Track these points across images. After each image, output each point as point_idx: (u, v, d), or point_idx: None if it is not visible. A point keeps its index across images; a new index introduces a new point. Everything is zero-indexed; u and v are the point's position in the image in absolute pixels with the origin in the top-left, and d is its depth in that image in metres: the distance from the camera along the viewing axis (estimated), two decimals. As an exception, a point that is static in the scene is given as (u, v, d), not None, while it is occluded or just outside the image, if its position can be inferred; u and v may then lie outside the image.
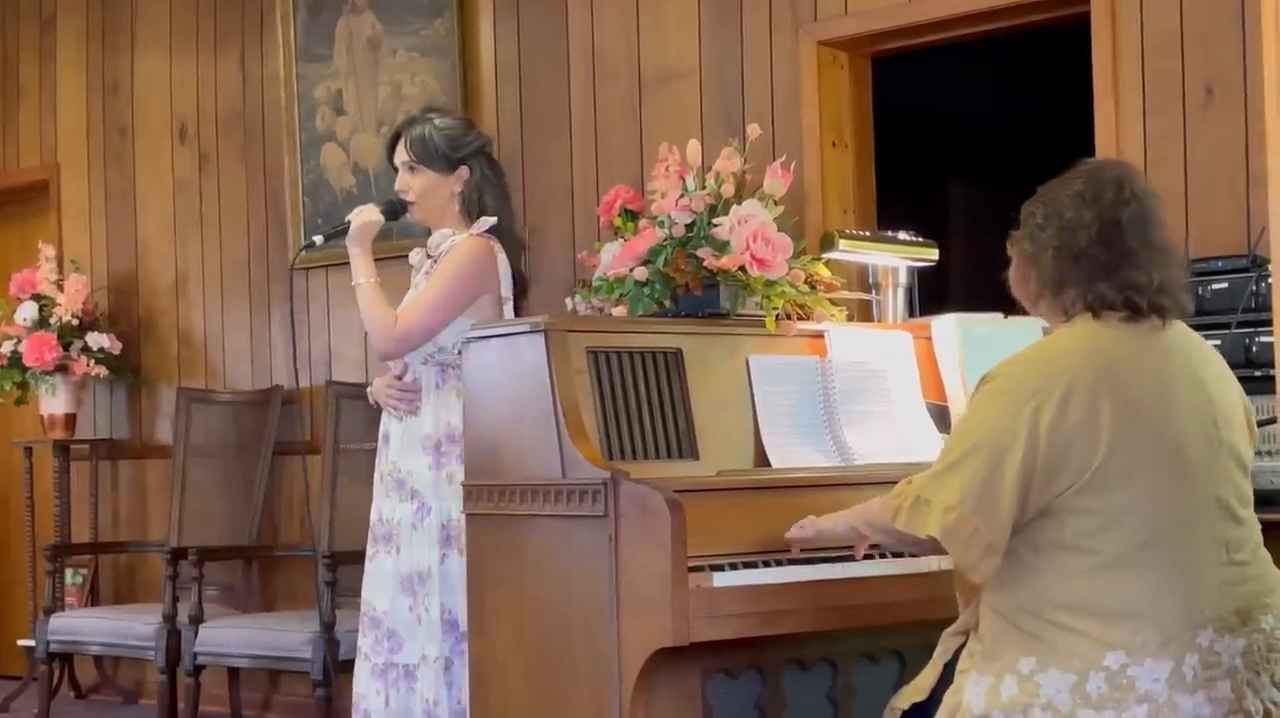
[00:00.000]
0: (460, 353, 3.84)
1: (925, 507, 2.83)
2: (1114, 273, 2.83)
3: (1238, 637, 2.79)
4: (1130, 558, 2.73)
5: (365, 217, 4.16)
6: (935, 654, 3.03)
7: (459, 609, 3.96)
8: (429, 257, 4.23)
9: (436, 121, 4.23)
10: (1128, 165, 3.01)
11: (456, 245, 4.13)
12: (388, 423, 4.20)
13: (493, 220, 4.18)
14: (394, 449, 4.15)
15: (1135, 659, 2.72)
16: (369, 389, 4.29)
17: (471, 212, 4.19)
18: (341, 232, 4.18)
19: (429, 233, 4.27)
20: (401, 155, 4.20)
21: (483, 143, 4.27)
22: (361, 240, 4.14)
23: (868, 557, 3.43)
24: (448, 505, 4.00)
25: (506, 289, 4.16)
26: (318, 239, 4.30)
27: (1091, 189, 2.86)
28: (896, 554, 3.41)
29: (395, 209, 4.20)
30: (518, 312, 4.21)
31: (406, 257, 4.33)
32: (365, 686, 4.11)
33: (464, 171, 4.19)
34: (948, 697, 2.90)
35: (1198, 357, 2.91)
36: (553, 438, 3.41)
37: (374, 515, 4.21)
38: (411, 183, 4.19)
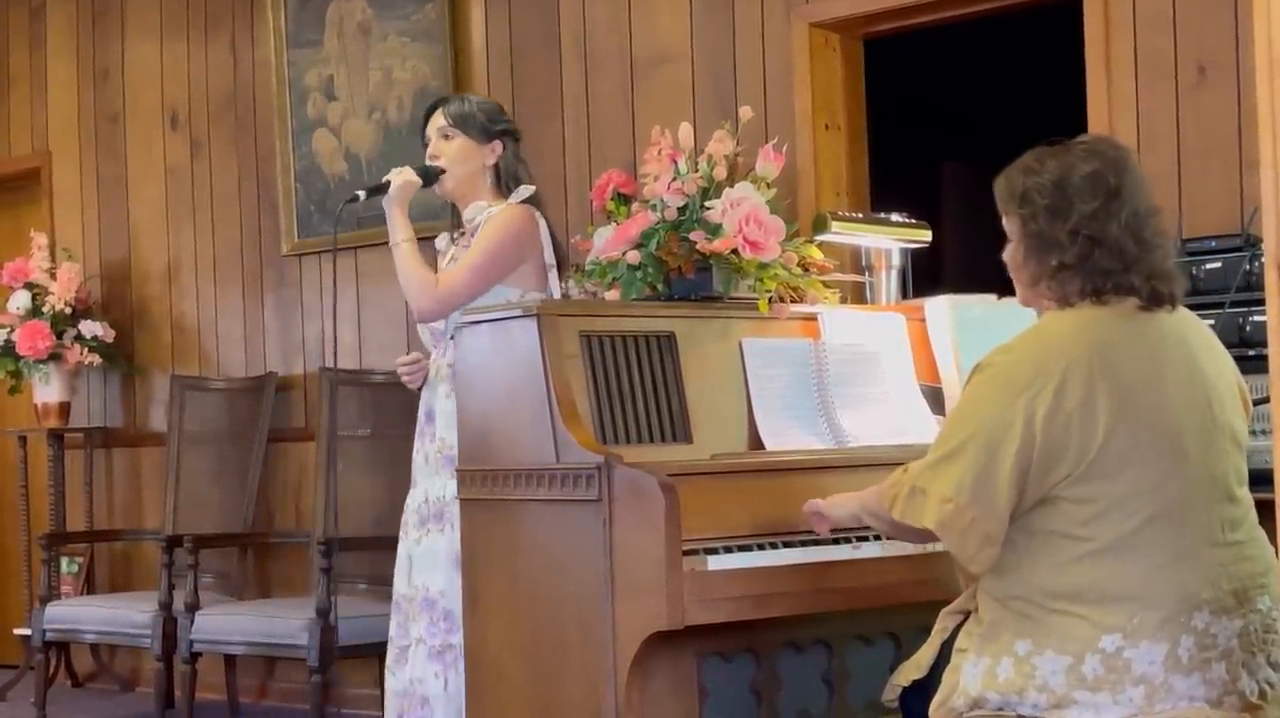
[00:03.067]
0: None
1: (921, 497, 2.81)
2: (1139, 261, 2.79)
3: (1234, 618, 2.77)
4: (1126, 543, 2.72)
5: (405, 177, 4.12)
6: (934, 632, 3.03)
7: None
8: (462, 233, 4.21)
9: (473, 97, 4.33)
10: (1125, 146, 2.97)
11: (498, 213, 4.10)
12: (431, 400, 4.14)
13: (532, 189, 4.19)
14: (442, 426, 4.08)
15: (1131, 642, 2.71)
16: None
17: (508, 184, 4.18)
18: (382, 188, 4.15)
19: (453, 212, 4.26)
20: (439, 122, 4.18)
21: (514, 127, 4.29)
22: (400, 200, 4.11)
23: (862, 539, 3.43)
24: None
25: (550, 256, 4.13)
26: (361, 194, 4.25)
27: (1112, 173, 2.80)
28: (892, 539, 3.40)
29: (430, 175, 4.17)
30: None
31: (433, 240, 4.31)
32: (422, 670, 4.01)
33: (498, 145, 4.19)
34: (946, 676, 2.90)
35: (1191, 336, 2.89)
36: (546, 422, 3.41)
37: (418, 497, 4.13)
38: (446, 149, 4.17)
